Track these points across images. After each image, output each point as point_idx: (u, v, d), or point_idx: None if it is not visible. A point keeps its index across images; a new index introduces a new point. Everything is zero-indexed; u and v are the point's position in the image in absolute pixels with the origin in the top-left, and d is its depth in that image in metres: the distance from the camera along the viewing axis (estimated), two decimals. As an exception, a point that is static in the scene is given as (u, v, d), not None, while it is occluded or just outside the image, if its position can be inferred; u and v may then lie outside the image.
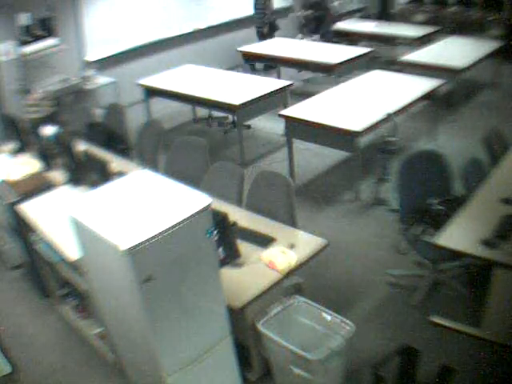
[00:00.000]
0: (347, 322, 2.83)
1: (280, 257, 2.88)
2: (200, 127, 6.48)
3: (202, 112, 6.54)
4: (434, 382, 2.73)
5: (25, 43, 6.14)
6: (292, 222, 3.27)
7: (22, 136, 4.58)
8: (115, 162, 4.07)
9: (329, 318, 2.88)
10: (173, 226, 2.23)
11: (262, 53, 7.28)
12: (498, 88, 7.06)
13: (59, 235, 3.16)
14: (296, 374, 2.74)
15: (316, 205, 4.88)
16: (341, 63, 6.45)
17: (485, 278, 3.12)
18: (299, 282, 3.13)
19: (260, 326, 2.79)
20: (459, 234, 3.03)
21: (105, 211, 2.39)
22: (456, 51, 6.62)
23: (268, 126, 6.38)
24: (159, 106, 6.55)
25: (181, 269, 2.34)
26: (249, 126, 6.31)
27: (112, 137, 4.81)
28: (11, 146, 4.58)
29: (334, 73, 6.50)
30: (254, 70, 7.99)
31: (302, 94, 6.12)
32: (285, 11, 9.59)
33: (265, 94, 5.57)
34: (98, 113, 5.67)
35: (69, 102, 6.33)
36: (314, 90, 6.87)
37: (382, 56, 7.72)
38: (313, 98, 5.37)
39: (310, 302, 2.97)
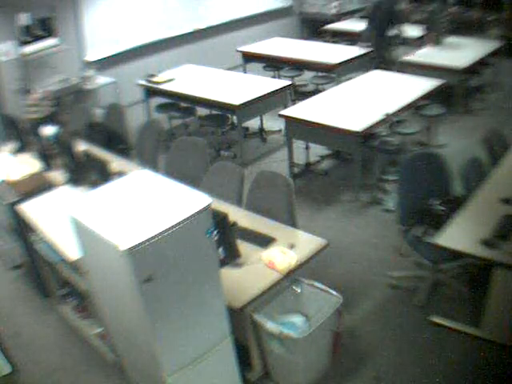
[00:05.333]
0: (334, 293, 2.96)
1: (280, 257, 2.88)
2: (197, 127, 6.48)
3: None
4: None
5: (25, 43, 6.14)
6: (292, 222, 3.28)
7: (22, 136, 4.58)
8: (115, 162, 4.07)
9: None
10: (173, 226, 2.23)
11: (262, 53, 7.28)
12: (498, 88, 7.06)
13: (59, 235, 3.16)
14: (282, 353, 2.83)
15: (316, 205, 4.88)
16: (341, 63, 6.45)
17: (485, 278, 3.12)
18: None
19: (256, 316, 2.82)
20: (459, 234, 3.03)
21: (105, 211, 2.39)
22: (456, 51, 6.62)
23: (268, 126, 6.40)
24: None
25: (181, 269, 2.34)
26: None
27: (112, 137, 4.81)
28: (11, 145, 4.58)
29: (334, 73, 6.51)
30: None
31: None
32: (285, 11, 9.61)
33: (265, 94, 5.58)
34: (98, 113, 5.67)
35: (69, 101, 6.33)
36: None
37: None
38: (313, 98, 5.37)
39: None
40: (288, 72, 6.99)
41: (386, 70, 6.07)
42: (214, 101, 5.56)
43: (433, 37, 6.87)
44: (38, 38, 6.26)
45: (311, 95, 5.58)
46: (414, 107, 5.20)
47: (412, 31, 7.51)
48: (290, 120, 5.02)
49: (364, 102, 5.10)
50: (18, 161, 4.25)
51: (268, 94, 5.61)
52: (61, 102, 6.14)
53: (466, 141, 5.50)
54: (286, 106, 5.65)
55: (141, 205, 2.40)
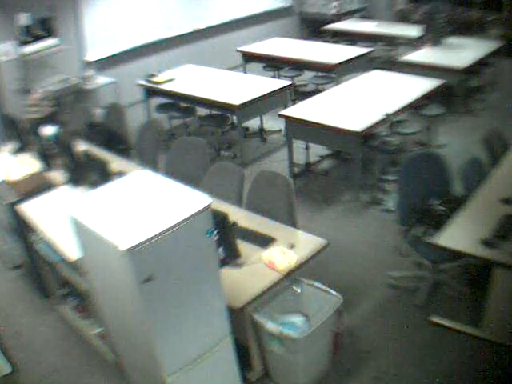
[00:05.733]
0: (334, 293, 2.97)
1: (280, 257, 2.88)
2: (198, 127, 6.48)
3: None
4: None
5: (25, 43, 6.14)
6: (292, 222, 3.27)
7: (22, 136, 4.58)
8: (115, 162, 4.07)
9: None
10: (173, 226, 2.23)
11: (262, 53, 7.29)
12: (497, 88, 7.06)
13: (59, 235, 3.16)
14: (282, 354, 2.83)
15: (316, 205, 4.88)
16: (341, 63, 6.46)
17: (485, 278, 3.12)
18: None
19: (256, 316, 2.82)
20: (459, 234, 3.03)
21: (105, 211, 2.39)
22: (456, 51, 6.62)
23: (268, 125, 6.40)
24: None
25: (181, 269, 2.34)
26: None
27: (112, 137, 4.81)
28: (11, 146, 4.58)
29: (334, 73, 6.52)
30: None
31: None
32: (285, 11, 9.61)
33: (265, 94, 5.58)
34: (98, 113, 5.67)
35: (69, 101, 6.33)
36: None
37: (382, 56, 7.72)
38: (313, 98, 5.37)
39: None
40: (288, 72, 6.99)
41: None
42: (214, 101, 5.56)
43: (430, 37, 6.86)
44: (37, 38, 6.25)
45: (311, 95, 5.57)
46: (414, 107, 5.20)
47: (412, 31, 7.54)
48: (290, 120, 5.02)
49: (364, 101, 5.10)
50: (17, 161, 4.25)
51: (268, 93, 5.61)
52: (61, 102, 6.15)
53: (466, 141, 5.50)
54: (286, 106, 5.65)
55: (141, 205, 2.40)
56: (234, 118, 5.78)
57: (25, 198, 3.66)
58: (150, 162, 4.40)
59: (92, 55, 7.01)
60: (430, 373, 3.02)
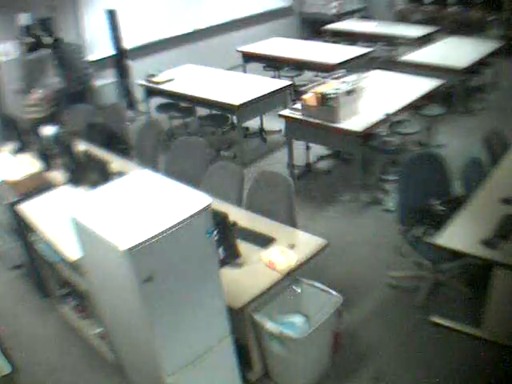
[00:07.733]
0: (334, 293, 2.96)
1: (280, 257, 2.88)
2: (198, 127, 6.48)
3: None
4: None
5: (25, 43, 6.14)
6: (292, 222, 3.28)
7: (22, 136, 4.58)
8: (115, 162, 4.07)
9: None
10: (173, 226, 2.23)
11: (262, 53, 7.28)
12: (497, 88, 7.06)
13: (59, 235, 3.16)
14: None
15: (316, 205, 4.88)
16: (341, 63, 6.45)
17: (485, 278, 3.12)
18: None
19: (256, 316, 2.82)
20: (459, 234, 3.03)
21: (105, 211, 2.39)
22: (456, 51, 6.61)
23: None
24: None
25: (181, 269, 2.34)
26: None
27: (112, 137, 4.81)
28: (11, 146, 4.58)
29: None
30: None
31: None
32: (285, 11, 9.61)
33: (265, 94, 5.58)
34: (98, 113, 5.67)
35: (69, 102, 6.32)
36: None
37: (382, 56, 7.72)
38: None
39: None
40: (288, 72, 6.98)
41: None
42: (214, 101, 5.56)
43: None
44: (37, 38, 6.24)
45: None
46: (414, 107, 5.20)
47: (412, 31, 7.54)
48: (289, 120, 5.02)
49: (364, 101, 5.10)
50: (17, 161, 4.25)
51: (268, 93, 5.61)
52: (61, 102, 6.14)
53: (466, 141, 5.50)
54: (285, 106, 5.65)
55: (141, 205, 2.40)
56: (234, 118, 5.78)
57: (25, 198, 3.66)
58: (150, 162, 4.40)
59: (92, 55, 7.01)
60: (430, 373, 3.02)
